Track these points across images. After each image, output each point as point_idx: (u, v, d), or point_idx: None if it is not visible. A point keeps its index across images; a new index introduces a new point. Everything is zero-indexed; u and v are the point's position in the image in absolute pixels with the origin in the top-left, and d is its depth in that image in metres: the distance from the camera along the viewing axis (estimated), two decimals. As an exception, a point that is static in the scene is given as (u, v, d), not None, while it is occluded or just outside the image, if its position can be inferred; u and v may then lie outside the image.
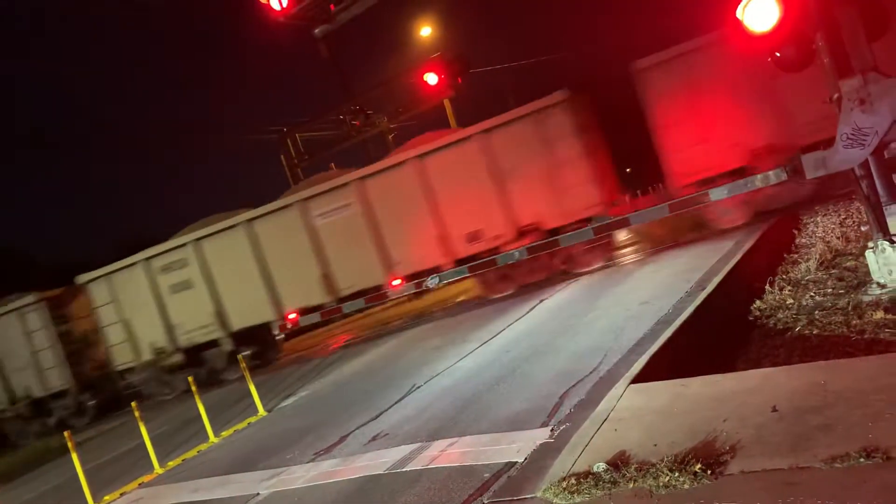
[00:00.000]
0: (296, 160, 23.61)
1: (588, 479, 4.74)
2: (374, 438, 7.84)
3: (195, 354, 17.70)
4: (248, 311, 16.93)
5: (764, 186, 11.53)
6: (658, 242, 15.23)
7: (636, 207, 13.51)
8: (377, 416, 8.79)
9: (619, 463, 4.81)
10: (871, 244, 7.60)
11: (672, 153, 13.77)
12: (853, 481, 3.79)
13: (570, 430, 5.87)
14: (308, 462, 7.81)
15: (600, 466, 4.81)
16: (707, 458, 4.46)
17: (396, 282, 15.52)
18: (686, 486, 4.29)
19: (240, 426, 11.14)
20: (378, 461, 6.93)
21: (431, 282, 14.98)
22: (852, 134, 7.28)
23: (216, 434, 10.86)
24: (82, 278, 18.40)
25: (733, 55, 12.25)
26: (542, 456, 5.58)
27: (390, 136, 23.50)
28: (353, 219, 15.85)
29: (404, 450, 6.99)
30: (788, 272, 9.50)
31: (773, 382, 5.44)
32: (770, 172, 11.03)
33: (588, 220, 13.86)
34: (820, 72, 7.50)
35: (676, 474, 4.38)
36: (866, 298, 7.40)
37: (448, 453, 6.49)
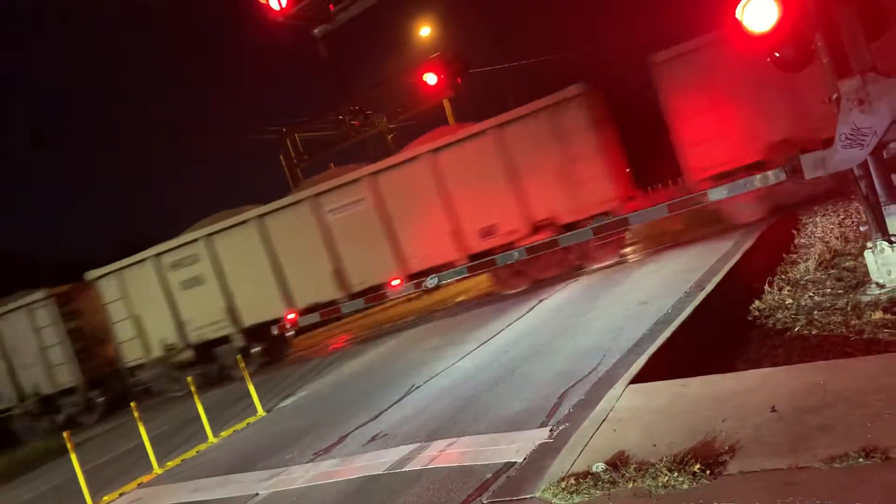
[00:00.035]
0: (295, 160, 23.59)
1: (587, 480, 4.74)
2: (373, 439, 7.84)
3: (206, 351, 17.59)
4: (259, 306, 16.79)
5: (763, 186, 11.53)
6: (672, 238, 15.07)
7: (653, 202, 13.33)
8: (376, 417, 8.79)
9: (618, 463, 4.82)
10: (869, 244, 7.61)
11: (689, 147, 13.68)
12: (852, 481, 3.80)
13: (569, 431, 5.87)
14: (307, 462, 7.81)
15: (599, 466, 4.81)
16: (706, 458, 4.47)
17: (396, 282, 15.51)
18: (685, 487, 4.29)
19: (239, 426, 11.13)
20: (377, 461, 6.93)
21: (430, 282, 14.95)
22: (851, 134, 7.29)
23: (215, 434, 10.86)
24: (92, 274, 18.30)
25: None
26: (541, 456, 5.58)
27: (389, 137, 23.47)
28: (365, 214, 15.74)
29: (403, 450, 6.99)
30: (787, 272, 9.50)
31: (772, 382, 5.45)
32: (769, 173, 11.00)
33: (603, 216, 13.71)
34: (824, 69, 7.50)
35: (675, 474, 4.38)
36: (865, 298, 7.41)
37: (447, 453, 6.49)
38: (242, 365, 12.04)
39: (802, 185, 11.71)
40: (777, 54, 7.52)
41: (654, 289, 10.82)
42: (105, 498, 9.42)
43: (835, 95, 7.41)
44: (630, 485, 4.53)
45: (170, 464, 10.08)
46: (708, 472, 4.32)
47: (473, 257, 14.82)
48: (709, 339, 7.74)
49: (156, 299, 17.61)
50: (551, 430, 6.11)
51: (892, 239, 7.41)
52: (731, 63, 12.95)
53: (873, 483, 3.72)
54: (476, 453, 6.24)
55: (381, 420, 8.57)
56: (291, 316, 16.30)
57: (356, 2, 16.56)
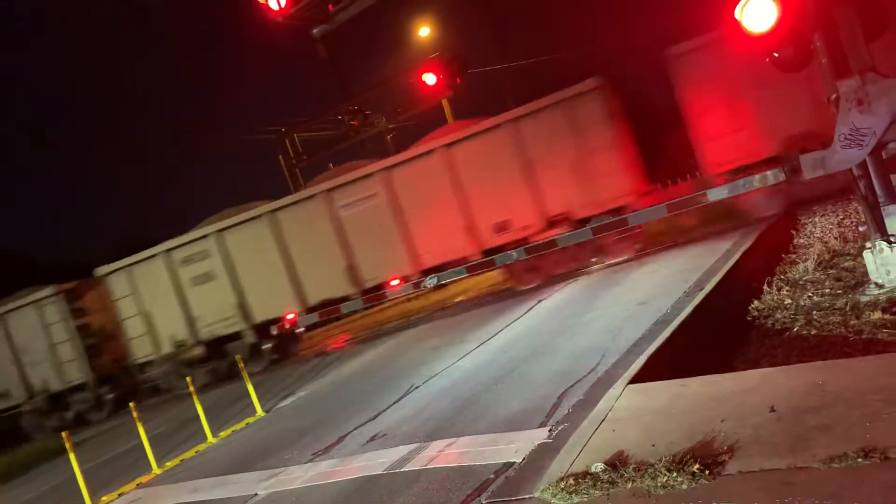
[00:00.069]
0: (294, 160, 23.58)
1: (586, 480, 4.74)
2: (372, 439, 7.84)
3: (216, 347, 17.51)
4: (270, 302, 16.69)
5: (762, 187, 11.53)
6: (686, 233, 14.94)
7: (669, 197, 13.17)
8: (375, 417, 8.78)
9: (617, 463, 4.82)
10: (868, 244, 7.61)
11: (706, 141, 13.57)
12: (851, 481, 3.80)
13: (568, 431, 5.87)
14: (306, 462, 7.81)
15: (598, 467, 4.81)
16: (705, 458, 4.47)
17: (395, 282, 15.49)
18: (684, 487, 4.29)
19: (238, 426, 11.12)
20: (376, 461, 6.93)
21: (430, 282, 14.94)
22: (850, 134, 7.29)
23: (214, 434, 10.85)
24: (101, 270, 18.21)
25: None
26: (541, 456, 5.58)
27: (389, 137, 23.47)
28: (378, 209, 15.65)
29: (402, 450, 6.99)
30: (786, 272, 9.51)
31: (771, 382, 5.45)
32: (769, 173, 11.02)
33: (618, 210, 13.59)
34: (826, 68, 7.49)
35: (675, 474, 4.38)
36: (864, 298, 7.41)
37: (446, 454, 6.49)
38: (241, 365, 12.02)
39: (819, 180, 11.56)
40: (776, 54, 7.52)
41: (653, 289, 10.82)
42: (104, 498, 9.41)
43: (834, 96, 7.42)
44: (629, 485, 4.53)
45: (169, 464, 10.08)
46: (707, 472, 4.32)
47: (487, 253, 14.71)
48: (708, 339, 7.74)
49: (166, 295, 17.51)
50: (550, 431, 6.11)
51: (891, 239, 7.41)
52: (748, 55, 12.78)
53: (872, 483, 3.72)
54: (475, 453, 6.23)
55: (380, 420, 8.56)
56: (291, 316, 16.28)
57: (355, 2, 16.56)
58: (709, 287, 9.20)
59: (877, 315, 6.80)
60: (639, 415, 5.63)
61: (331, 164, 22.13)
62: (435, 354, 11.61)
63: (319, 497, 6.61)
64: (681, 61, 13.72)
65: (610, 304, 10.88)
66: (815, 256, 9.51)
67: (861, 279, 7.99)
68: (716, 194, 11.57)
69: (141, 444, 10.25)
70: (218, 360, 17.52)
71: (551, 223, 14.37)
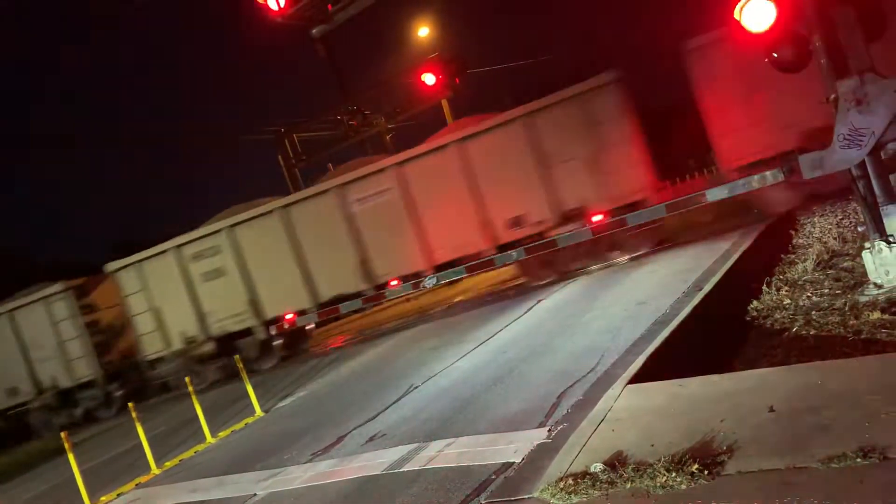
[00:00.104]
0: (293, 160, 23.59)
1: (585, 480, 4.74)
2: (371, 439, 7.84)
3: (227, 343, 17.38)
4: (282, 298, 16.58)
5: (761, 187, 11.50)
6: (701, 228, 14.84)
7: (682, 192, 13.06)
8: (375, 417, 8.78)
9: (616, 463, 4.82)
10: (867, 244, 7.62)
11: (722, 136, 13.45)
12: (850, 481, 3.80)
13: (567, 431, 5.87)
14: (306, 462, 7.81)
15: (597, 467, 4.82)
16: (704, 458, 4.47)
17: (394, 282, 15.47)
18: (683, 487, 4.30)
19: (237, 426, 11.12)
20: (376, 462, 6.93)
21: (429, 282, 14.91)
22: (849, 134, 7.30)
23: (213, 435, 10.85)
24: (111, 266, 18.10)
25: None
26: (540, 456, 5.58)
27: (388, 137, 23.49)
28: (391, 204, 15.55)
29: (402, 450, 6.99)
30: (785, 272, 9.51)
31: (770, 383, 5.45)
32: (768, 173, 11.00)
33: (634, 205, 13.43)
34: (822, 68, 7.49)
35: (674, 475, 4.38)
36: (863, 299, 7.42)
37: (445, 454, 6.48)
38: (241, 365, 12.01)
39: (835, 175, 11.37)
40: (775, 55, 7.53)
41: (652, 289, 10.82)
42: (103, 498, 9.40)
43: (833, 96, 7.42)
44: (628, 485, 4.53)
45: (168, 464, 10.07)
46: (706, 472, 4.32)
47: (501, 248, 14.60)
48: (707, 339, 7.74)
49: (177, 291, 17.40)
50: (549, 431, 6.11)
51: (890, 239, 7.42)
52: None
53: (871, 483, 3.73)
54: (474, 453, 6.23)
55: (379, 420, 8.56)
56: (290, 316, 16.25)
57: (354, 2, 16.57)
58: (708, 287, 9.21)
59: (876, 315, 6.81)
60: (638, 415, 5.63)
61: (330, 165, 22.13)
62: (434, 355, 11.61)
63: (319, 497, 6.60)
64: (696, 55, 13.58)
65: (609, 304, 10.88)
66: (815, 257, 9.51)
67: (860, 279, 8.00)
68: (715, 194, 11.54)
69: (140, 444, 10.24)
70: (228, 357, 17.41)
71: (567, 218, 14.25)
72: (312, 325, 18.14)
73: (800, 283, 8.83)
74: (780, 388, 5.23)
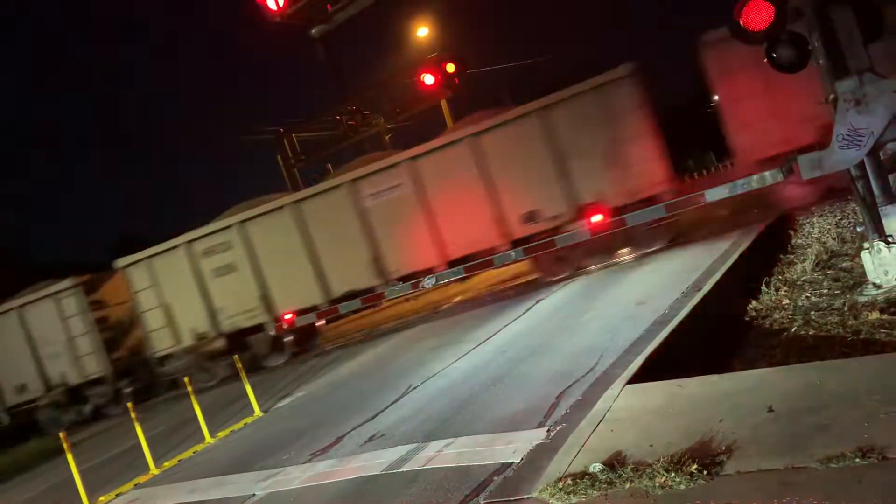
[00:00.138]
0: (293, 160, 23.58)
1: (584, 480, 4.74)
2: (370, 439, 7.83)
3: (238, 340, 17.28)
4: (294, 294, 16.48)
5: (760, 187, 11.48)
6: (717, 223, 14.72)
7: (698, 188, 12.88)
8: (373, 417, 8.78)
9: (615, 463, 4.82)
10: (866, 245, 7.62)
11: (739, 130, 13.35)
12: (849, 481, 3.80)
13: (566, 431, 5.87)
14: (304, 463, 7.80)
15: (596, 467, 4.81)
16: (703, 458, 4.47)
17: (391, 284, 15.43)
18: (682, 487, 4.29)
19: (236, 427, 11.11)
20: (374, 462, 6.92)
21: (428, 282, 14.89)
22: (848, 135, 7.30)
23: (212, 435, 10.84)
24: (121, 262, 17.97)
25: None
26: (539, 456, 5.58)
27: (387, 137, 23.49)
28: (404, 199, 15.45)
29: (400, 450, 6.98)
30: (784, 273, 9.52)
31: (769, 383, 5.45)
32: (767, 173, 10.99)
33: (651, 200, 13.23)
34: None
35: (673, 475, 4.38)
36: (862, 299, 7.43)
37: (444, 454, 6.48)
38: (239, 365, 12.00)
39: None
40: (774, 55, 7.53)
41: (651, 289, 10.82)
42: (101, 498, 9.39)
43: (832, 96, 7.43)
44: (627, 485, 4.53)
45: (167, 464, 10.06)
46: (705, 472, 4.32)
47: (516, 243, 14.41)
48: (706, 339, 7.74)
49: (187, 287, 17.28)
50: (548, 431, 6.10)
51: (889, 239, 7.42)
52: None
53: (870, 483, 3.73)
54: (473, 454, 6.23)
55: (378, 420, 8.56)
56: (289, 316, 16.22)
57: (353, 2, 16.56)
58: (707, 287, 9.20)
59: (875, 315, 6.82)
60: (637, 415, 5.63)
61: (329, 165, 22.14)
62: (433, 355, 11.61)
63: (317, 497, 6.60)
64: (715, 48, 13.48)
65: (608, 305, 10.88)
66: (814, 257, 9.53)
67: (859, 279, 8.01)
68: (714, 194, 11.53)
69: (139, 444, 10.24)
70: (239, 353, 17.37)
71: (582, 213, 14.02)
72: (323, 322, 18.00)
73: (799, 283, 8.84)
74: (779, 389, 5.23)
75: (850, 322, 6.91)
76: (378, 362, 13.05)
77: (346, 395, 10.89)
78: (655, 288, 10.78)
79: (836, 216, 11.62)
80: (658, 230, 14.12)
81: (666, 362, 6.79)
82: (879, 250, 7.46)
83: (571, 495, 4.65)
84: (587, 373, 7.52)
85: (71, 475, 9.46)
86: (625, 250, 14.55)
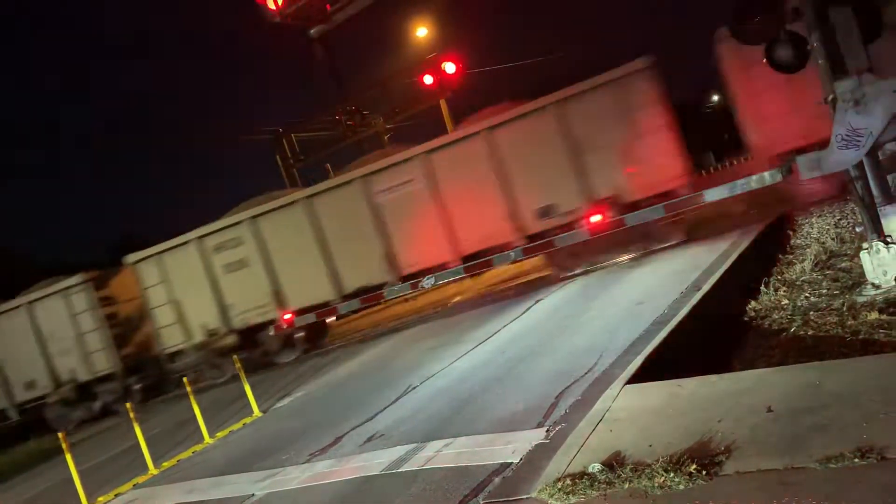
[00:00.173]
0: (291, 160, 23.60)
1: (583, 480, 4.74)
2: (369, 439, 7.83)
3: (249, 336, 17.17)
4: (306, 290, 16.35)
5: (759, 187, 11.48)
6: (738, 218, 14.51)
7: (717, 182, 12.73)
8: (373, 417, 8.78)
9: (614, 463, 4.82)
10: (865, 245, 7.63)
11: (758, 125, 13.23)
12: (848, 481, 3.80)
13: (565, 431, 5.87)
14: (303, 463, 7.80)
15: (595, 467, 4.81)
16: (702, 458, 4.47)
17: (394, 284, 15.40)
18: (681, 487, 4.30)
19: (235, 427, 11.11)
20: (373, 462, 6.92)
21: (427, 282, 14.89)
22: (847, 135, 7.30)
23: (211, 435, 10.83)
24: (131, 258, 17.87)
25: None
26: (538, 456, 5.58)
27: (386, 137, 23.51)
28: (417, 194, 15.27)
29: (400, 451, 6.99)
30: (783, 273, 9.52)
31: (768, 383, 5.45)
32: (765, 173, 11.02)
33: (667, 195, 13.04)
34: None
35: (672, 475, 4.38)
36: (861, 299, 7.43)
37: (443, 454, 6.48)
38: (239, 365, 12.00)
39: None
40: (773, 56, 7.54)
41: (650, 289, 10.82)
42: (100, 498, 9.39)
43: (830, 96, 7.43)
44: (626, 485, 4.53)
45: (165, 464, 10.06)
46: (704, 472, 4.32)
47: (531, 238, 14.34)
48: (705, 339, 7.74)
49: (198, 283, 17.14)
50: (548, 431, 6.10)
51: (888, 240, 7.43)
52: None
53: (869, 483, 3.73)
54: (472, 454, 6.23)
55: (377, 421, 8.56)
56: (287, 316, 16.22)
57: (352, 2, 16.56)
58: (706, 287, 9.21)
59: (873, 315, 6.82)
60: (636, 415, 5.63)
61: (328, 165, 22.15)
62: (432, 355, 11.60)
63: (316, 498, 6.60)
64: (731, 42, 13.42)
65: (607, 305, 10.88)
66: (813, 257, 9.53)
67: (858, 280, 8.01)
68: (713, 195, 11.54)
69: (138, 444, 10.23)
70: (250, 349, 17.15)
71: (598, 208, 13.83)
72: (334, 319, 17.89)
73: (798, 283, 8.84)
74: (778, 389, 5.23)
75: (849, 322, 6.91)
76: (377, 362, 13.04)
77: (346, 396, 10.88)
78: (655, 288, 10.78)
79: (835, 216, 11.63)
80: (673, 225, 13.95)
81: (665, 362, 6.79)
82: (878, 250, 7.47)
83: (570, 495, 4.65)
84: (586, 373, 7.52)
85: (70, 475, 9.45)
86: (646, 244, 14.29)
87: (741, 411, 5.04)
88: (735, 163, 14.96)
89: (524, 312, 12.70)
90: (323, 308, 16.10)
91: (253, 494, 7.30)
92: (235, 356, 12.64)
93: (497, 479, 5.45)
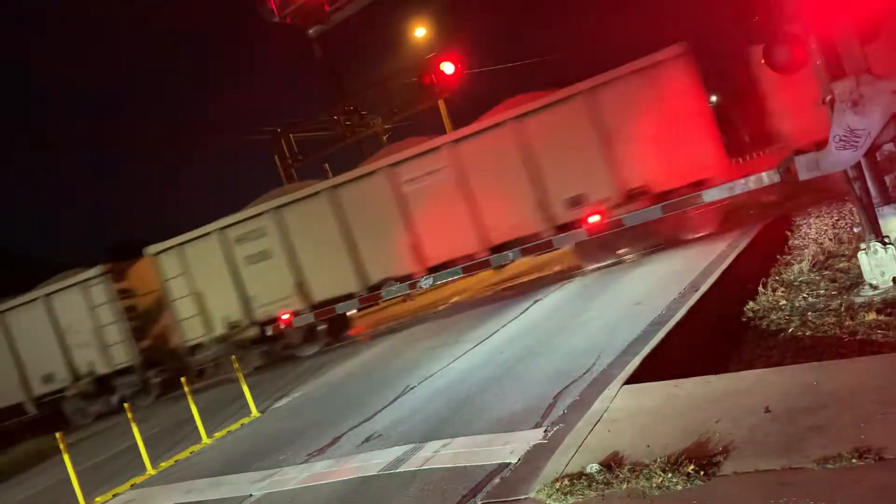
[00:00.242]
0: (290, 160, 23.60)
1: (581, 480, 4.74)
2: (367, 439, 7.83)
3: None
4: (330, 282, 16.18)
5: (757, 188, 11.48)
6: (767, 208, 14.39)
7: (744, 173, 12.62)
8: (371, 417, 8.77)
9: (612, 464, 4.82)
10: (863, 245, 7.64)
11: (791, 113, 13.17)
12: (846, 482, 3.80)
13: (563, 431, 5.87)
14: (301, 463, 7.80)
15: (593, 467, 4.82)
16: (700, 458, 4.47)
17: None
18: (679, 487, 4.30)
19: (233, 427, 11.10)
20: (371, 462, 6.92)
21: (425, 282, 14.88)
22: (845, 136, 7.32)
23: (209, 435, 10.83)
24: (152, 249, 17.65)
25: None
26: (536, 457, 5.57)
27: (384, 137, 23.50)
28: (444, 184, 15.06)
29: (398, 451, 6.98)
30: (781, 273, 9.53)
31: (765, 383, 5.46)
32: (763, 174, 11.01)
33: (699, 184, 12.84)
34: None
35: (669, 475, 4.38)
36: (859, 300, 7.44)
37: (441, 454, 6.48)
38: (237, 365, 11.98)
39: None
40: (771, 56, 7.55)
41: (648, 289, 10.83)
42: (98, 499, 9.38)
43: (828, 97, 7.44)
44: (624, 486, 4.53)
45: (163, 465, 10.05)
46: (702, 472, 4.33)
47: (561, 228, 14.16)
48: (703, 340, 7.75)
49: (219, 275, 16.95)
50: (546, 431, 6.10)
51: (886, 240, 7.44)
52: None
53: (867, 483, 3.73)
54: (470, 454, 6.23)
55: (375, 421, 8.55)
56: (286, 317, 16.21)
57: (351, 2, 16.57)
58: (704, 288, 9.21)
59: (871, 316, 6.83)
60: (634, 415, 5.63)
61: (326, 166, 22.15)
62: (431, 355, 11.60)
63: (314, 498, 6.59)
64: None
65: (606, 305, 10.89)
66: (810, 257, 9.54)
67: (856, 280, 8.02)
68: (711, 195, 11.53)
69: (136, 444, 10.22)
70: (271, 342, 17.05)
71: (630, 196, 13.76)
72: (355, 311, 17.75)
73: (796, 283, 8.85)
74: (776, 389, 5.24)
75: (846, 323, 6.92)
76: (375, 362, 13.04)
77: (344, 396, 10.88)
78: (653, 288, 10.78)
79: (832, 217, 11.65)
80: (707, 215, 13.70)
81: (663, 363, 6.80)
82: (876, 251, 7.48)
83: (568, 496, 4.65)
84: (584, 373, 7.52)
85: (68, 475, 9.44)
86: (680, 233, 14.07)
87: (739, 412, 5.05)
88: (761, 154, 14.70)
89: (523, 313, 12.70)
90: (345, 300, 15.90)
91: (251, 495, 7.29)
92: (234, 356, 12.62)
93: (495, 480, 5.44)
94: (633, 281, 12.23)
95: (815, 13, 7.32)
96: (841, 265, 8.96)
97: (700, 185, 12.69)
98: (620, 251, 14.48)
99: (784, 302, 8.23)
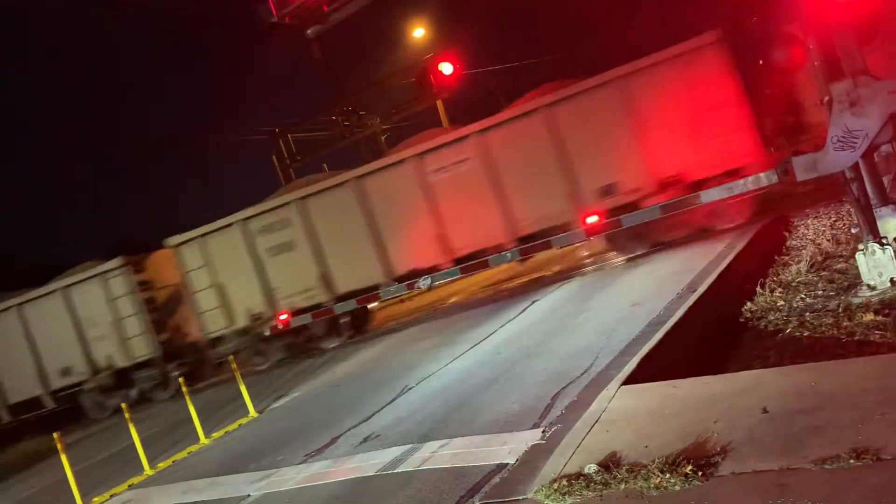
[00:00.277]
0: (288, 161, 23.56)
1: (579, 481, 4.74)
2: (365, 440, 7.82)
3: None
4: (355, 273, 15.96)
5: (756, 188, 11.52)
6: (802, 198, 13.90)
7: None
8: (369, 418, 8.77)
9: (610, 464, 4.82)
10: (861, 246, 7.64)
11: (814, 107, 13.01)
12: (844, 482, 3.81)
13: (561, 432, 5.87)
14: (299, 463, 7.79)
15: (591, 468, 4.82)
16: (698, 459, 4.47)
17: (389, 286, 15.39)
18: (677, 488, 4.30)
19: (231, 427, 11.10)
20: (369, 463, 6.92)
21: (423, 283, 14.88)
22: (843, 136, 7.32)
23: (207, 435, 10.82)
24: (173, 241, 17.40)
25: None
26: (534, 457, 5.57)
27: (383, 137, 23.48)
28: (472, 174, 14.79)
29: (396, 451, 6.98)
30: (779, 274, 9.54)
31: (763, 384, 5.46)
32: (762, 174, 11.07)
33: (735, 172, 12.64)
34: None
35: (668, 476, 4.38)
36: (856, 300, 7.44)
37: (439, 455, 6.48)
38: (234, 365, 11.98)
39: None
40: (770, 56, 7.56)
41: (646, 290, 10.83)
42: (95, 499, 9.37)
43: (826, 98, 7.45)
44: (622, 486, 4.53)
45: (161, 465, 10.04)
46: (700, 473, 4.33)
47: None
48: (701, 340, 7.76)
49: (242, 266, 16.72)
50: (544, 432, 6.10)
51: (884, 241, 7.45)
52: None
53: (865, 484, 3.73)
54: (468, 454, 6.23)
55: (373, 421, 8.55)
56: (283, 317, 16.20)
57: (349, 2, 16.57)
58: (702, 289, 9.21)
59: (869, 317, 6.84)
60: (632, 416, 5.63)
61: (325, 165, 22.11)
62: (429, 355, 11.60)
63: (312, 498, 6.59)
64: None
65: (603, 306, 10.89)
66: (808, 258, 9.55)
67: (853, 281, 8.03)
68: (709, 196, 11.56)
69: (133, 444, 10.21)
70: (295, 335, 16.89)
71: (664, 185, 13.47)
72: (376, 304, 17.50)
73: (794, 284, 8.85)
74: (774, 390, 5.24)
75: (844, 323, 6.93)
76: (374, 363, 13.04)
77: (342, 396, 10.88)
78: (650, 289, 10.78)
79: (830, 217, 11.65)
80: (740, 205, 13.48)
81: (661, 363, 6.80)
82: (874, 252, 7.48)
83: (566, 496, 4.65)
84: (582, 374, 7.51)
85: (65, 475, 9.42)
86: (711, 223, 13.87)
87: (737, 412, 5.05)
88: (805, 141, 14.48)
89: (521, 313, 12.70)
90: (370, 293, 15.85)
91: (249, 495, 7.29)
92: (232, 357, 12.61)
93: (493, 480, 5.44)
94: (631, 281, 12.23)
95: (813, 14, 7.33)
96: (839, 266, 8.96)
97: (736, 173, 12.50)
98: (654, 243, 14.28)
99: (782, 302, 8.24)
